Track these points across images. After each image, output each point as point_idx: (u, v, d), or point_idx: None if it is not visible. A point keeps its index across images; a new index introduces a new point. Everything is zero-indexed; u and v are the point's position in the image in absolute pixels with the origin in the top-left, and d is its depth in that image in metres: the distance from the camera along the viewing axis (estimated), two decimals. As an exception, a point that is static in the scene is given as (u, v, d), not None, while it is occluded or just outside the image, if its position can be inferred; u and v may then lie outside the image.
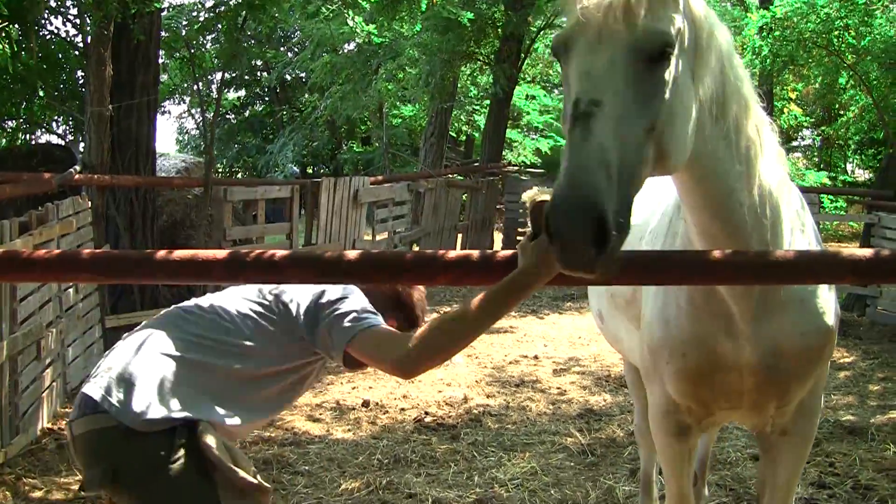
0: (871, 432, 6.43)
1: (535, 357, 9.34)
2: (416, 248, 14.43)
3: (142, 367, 2.84)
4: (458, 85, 22.41)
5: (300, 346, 3.02)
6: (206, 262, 2.42)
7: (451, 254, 2.36)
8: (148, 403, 2.76)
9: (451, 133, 26.72)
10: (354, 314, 2.91)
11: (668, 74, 2.27)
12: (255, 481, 2.84)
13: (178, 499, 2.78)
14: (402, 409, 7.27)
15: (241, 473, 2.80)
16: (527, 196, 2.72)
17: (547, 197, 3.00)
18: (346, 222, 11.84)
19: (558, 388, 8.01)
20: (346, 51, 21.89)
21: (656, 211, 3.38)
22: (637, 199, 4.23)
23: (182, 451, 2.76)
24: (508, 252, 2.36)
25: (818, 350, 3.02)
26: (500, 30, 18.15)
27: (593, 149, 2.04)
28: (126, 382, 2.80)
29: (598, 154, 2.03)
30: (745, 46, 16.34)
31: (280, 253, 2.43)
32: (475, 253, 2.35)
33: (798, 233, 2.98)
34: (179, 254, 2.44)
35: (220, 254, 2.44)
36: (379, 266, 2.42)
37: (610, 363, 8.80)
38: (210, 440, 2.77)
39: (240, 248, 10.10)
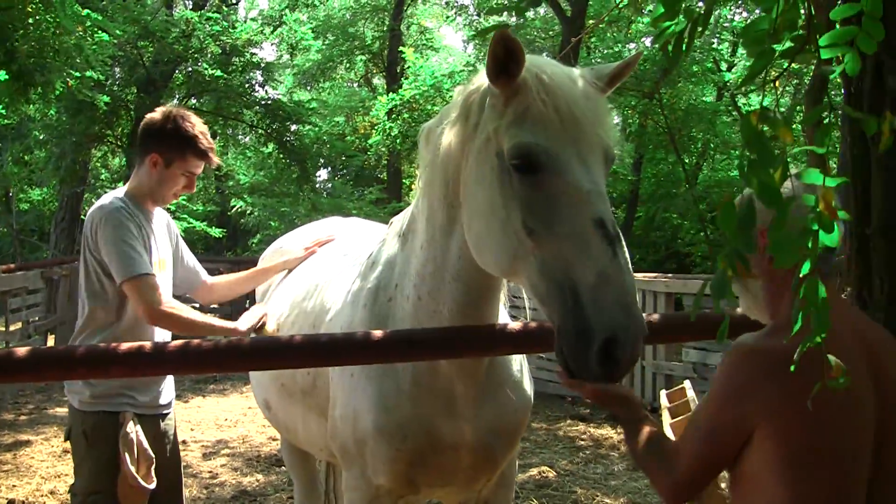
0: (515, 491, 7.05)
1: (184, 441, 9.19)
2: (52, 338, 13.68)
3: None
4: (90, 168, 21.74)
5: None
6: None
7: (124, 346, 2.52)
8: None
9: (82, 217, 25.64)
10: None
11: None
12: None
13: None
14: (46, 510, 6.93)
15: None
16: None
17: None
18: (-27, 314, 11.07)
19: (210, 472, 8.02)
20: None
21: (335, 300, 3.35)
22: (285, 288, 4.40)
23: None
24: (178, 342, 2.53)
25: (523, 423, 3.19)
26: (133, 112, 17.99)
27: (632, 275, 2.12)
28: None
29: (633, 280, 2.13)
30: (374, 128, 17.42)
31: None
32: (147, 344, 2.52)
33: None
34: None
35: None
36: (49, 362, 2.52)
37: (259, 443, 8.97)
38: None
39: None
